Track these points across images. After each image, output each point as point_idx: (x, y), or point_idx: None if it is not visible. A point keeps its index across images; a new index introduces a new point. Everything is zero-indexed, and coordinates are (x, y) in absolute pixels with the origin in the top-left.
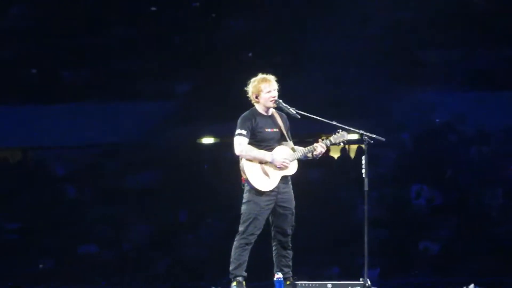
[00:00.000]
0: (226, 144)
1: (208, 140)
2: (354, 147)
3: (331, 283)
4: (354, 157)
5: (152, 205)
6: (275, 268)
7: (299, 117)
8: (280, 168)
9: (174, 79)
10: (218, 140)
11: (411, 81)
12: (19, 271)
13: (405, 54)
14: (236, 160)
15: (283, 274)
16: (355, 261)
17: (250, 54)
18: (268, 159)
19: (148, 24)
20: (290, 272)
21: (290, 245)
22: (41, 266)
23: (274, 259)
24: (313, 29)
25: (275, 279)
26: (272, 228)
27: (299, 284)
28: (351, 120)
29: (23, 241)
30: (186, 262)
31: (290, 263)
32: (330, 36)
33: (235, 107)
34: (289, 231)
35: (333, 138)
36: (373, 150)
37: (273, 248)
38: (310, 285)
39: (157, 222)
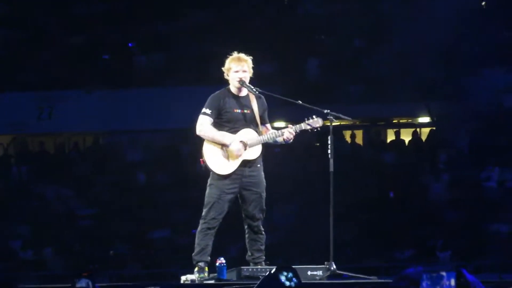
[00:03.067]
0: None
1: (279, 124)
2: (426, 130)
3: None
4: (426, 140)
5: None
6: (247, 253)
7: (261, 96)
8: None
9: None
10: (289, 123)
11: (486, 63)
12: (93, 256)
13: (482, 37)
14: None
15: (253, 258)
16: (430, 243)
17: (323, 37)
18: (227, 142)
19: (224, 8)
20: (263, 257)
21: (262, 229)
22: (111, 252)
23: (246, 243)
24: (388, 12)
25: (217, 264)
26: (242, 212)
27: (244, 269)
28: (423, 102)
29: (97, 227)
30: None
31: (262, 247)
32: (406, 20)
33: (309, 90)
34: (258, 215)
35: (304, 124)
36: (445, 134)
37: (245, 232)
38: (257, 269)
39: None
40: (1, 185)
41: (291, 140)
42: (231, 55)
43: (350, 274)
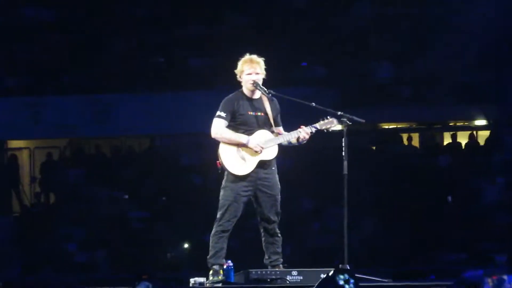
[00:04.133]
0: (352, 131)
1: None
2: (483, 133)
3: (297, 270)
4: (484, 144)
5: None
6: (265, 256)
7: (274, 99)
8: (256, 152)
9: (301, 66)
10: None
11: None
12: (147, 260)
13: None
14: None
15: (271, 261)
16: (483, 246)
17: (375, 39)
18: (244, 141)
19: (275, 11)
20: (280, 259)
21: (278, 231)
22: (169, 255)
23: (263, 246)
24: (441, 13)
25: (224, 266)
26: (257, 215)
27: (252, 272)
28: (479, 105)
29: (150, 230)
30: (310, 249)
31: (279, 250)
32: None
33: (364, 93)
34: (274, 218)
35: (319, 124)
36: (501, 137)
37: (262, 235)
38: (265, 272)
39: (282, 210)
40: (57, 188)
41: (305, 141)
42: (242, 57)
43: (364, 276)
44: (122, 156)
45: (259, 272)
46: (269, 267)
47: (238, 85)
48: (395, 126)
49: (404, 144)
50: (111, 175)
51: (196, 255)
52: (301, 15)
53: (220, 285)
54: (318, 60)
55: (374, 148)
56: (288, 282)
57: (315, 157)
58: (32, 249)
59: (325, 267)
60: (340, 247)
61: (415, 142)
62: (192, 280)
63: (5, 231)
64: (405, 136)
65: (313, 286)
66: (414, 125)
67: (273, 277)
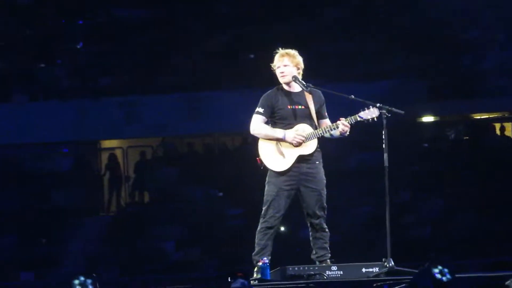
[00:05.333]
0: (446, 123)
1: (427, 118)
2: None
3: (337, 265)
4: None
5: (373, 186)
6: (312, 251)
7: (311, 93)
8: (295, 146)
9: (388, 59)
10: (437, 118)
11: None
12: (243, 257)
13: None
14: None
15: (318, 256)
16: None
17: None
18: (280, 135)
19: (359, 5)
20: (328, 254)
21: (324, 226)
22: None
23: (310, 241)
24: None
25: (260, 263)
26: (303, 210)
27: (289, 269)
28: None
29: (246, 227)
30: (407, 242)
31: (326, 245)
32: None
33: (454, 84)
34: (320, 213)
35: (360, 115)
36: None
37: (309, 230)
38: (302, 268)
39: (378, 203)
40: (151, 187)
41: (347, 133)
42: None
43: (408, 270)
44: (215, 153)
45: (296, 268)
46: (316, 262)
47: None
48: (487, 117)
49: (497, 135)
50: (204, 173)
51: (291, 250)
52: (394, 7)
53: (256, 282)
54: (408, 52)
55: (466, 139)
56: (325, 277)
57: (409, 149)
58: (129, 249)
59: (416, 260)
60: (435, 239)
61: (508, 132)
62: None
63: (103, 230)
64: (497, 126)
65: (353, 280)
66: (506, 115)
67: (311, 273)
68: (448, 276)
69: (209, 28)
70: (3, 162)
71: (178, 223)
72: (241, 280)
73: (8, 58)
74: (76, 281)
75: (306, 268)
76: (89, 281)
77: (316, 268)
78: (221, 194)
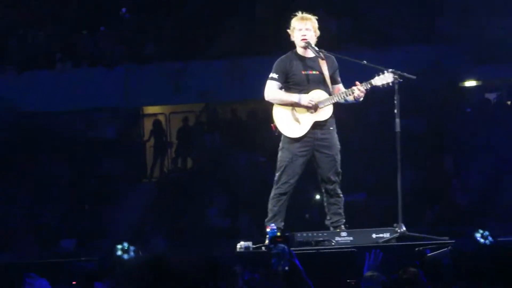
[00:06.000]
0: (489, 87)
1: (470, 83)
2: None
3: (347, 231)
4: None
5: (417, 151)
6: (326, 217)
7: (324, 59)
8: (311, 113)
9: (430, 26)
10: (480, 82)
11: None
12: (286, 222)
13: None
14: None
15: (332, 222)
16: None
17: None
18: (295, 99)
19: None
20: (342, 220)
21: (339, 192)
22: (307, 216)
23: (325, 207)
24: None
25: (268, 229)
26: (317, 176)
27: (298, 235)
28: None
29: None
30: (453, 207)
31: (341, 210)
32: None
33: (494, 47)
34: (334, 178)
35: (374, 80)
36: None
37: (323, 195)
38: (311, 235)
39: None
40: (195, 153)
41: (362, 98)
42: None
43: (421, 235)
44: (258, 119)
45: (304, 235)
46: (331, 228)
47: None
48: None
49: None
50: (247, 139)
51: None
52: None
53: (264, 249)
54: (451, 16)
55: (510, 103)
56: (333, 243)
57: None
58: (173, 216)
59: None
60: (480, 206)
61: None
62: (238, 245)
63: (146, 197)
64: None
65: (363, 246)
66: None
67: (320, 239)
68: (491, 239)
69: None
70: (48, 129)
71: (223, 189)
72: (282, 245)
73: (52, 26)
74: (119, 246)
75: (315, 234)
76: (132, 247)
77: (325, 234)
78: (264, 159)
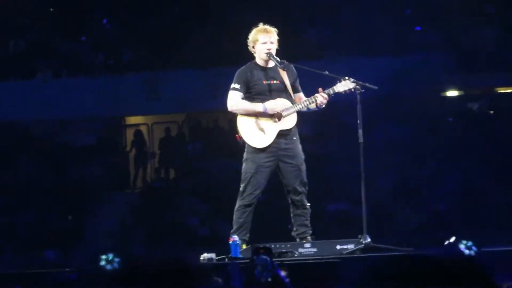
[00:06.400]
0: (471, 97)
1: (452, 93)
2: None
3: (310, 242)
4: None
5: (396, 159)
6: (293, 228)
7: (285, 69)
8: (274, 122)
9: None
10: (462, 92)
11: None
12: (269, 232)
13: None
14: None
15: (298, 233)
16: None
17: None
18: (260, 109)
19: None
20: (308, 231)
21: (305, 203)
22: (289, 226)
23: (291, 218)
24: None
25: (230, 242)
26: (284, 187)
27: (276, 246)
28: None
29: (269, 202)
30: (428, 215)
31: (307, 222)
32: None
33: (482, 59)
34: (300, 189)
35: (336, 87)
36: None
37: (290, 207)
38: (274, 246)
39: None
40: (177, 163)
41: (324, 105)
42: (256, 26)
43: (386, 246)
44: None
45: (267, 246)
46: (297, 239)
47: (251, 56)
48: None
49: None
50: (230, 148)
51: (321, 224)
52: None
53: (226, 260)
54: (433, 24)
55: (492, 112)
56: (296, 255)
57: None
58: (155, 225)
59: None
60: (455, 213)
61: None
62: (201, 256)
63: (128, 207)
64: None
65: (327, 257)
66: None
67: (282, 250)
68: (475, 249)
69: (234, 4)
70: (28, 138)
71: (205, 198)
72: (264, 257)
73: (32, 34)
74: (104, 257)
75: (278, 245)
76: (116, 259)
77: (288, 245)
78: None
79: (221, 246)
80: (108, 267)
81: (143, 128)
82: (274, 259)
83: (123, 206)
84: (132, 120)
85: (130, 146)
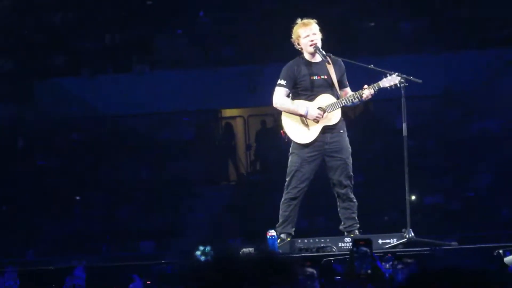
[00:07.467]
0: None
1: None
2: None
3: (351, 237)
4: None
5: (494, 153)
6: (341, 222)
7: (330, 63)
8: (317, 122)
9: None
10: None
11: None
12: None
13: None
14: None
15: (345, 227)
16: None
17: None
18: (302, 112)
19: None
20: (356, 225)
21: (351, 196)
22: (386, 218)
23: (338, 212)
24: None
25: (268, 236)
26: (330, 181)
27: (298, 242)
28: None
29: (366, 195)
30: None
31: (354, 215)
32: None
33: None
34: (345, 182)
35: (382, 82)
36: None
37: (336, 201)
38: (312, 241)
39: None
40: (273, 155)
41: (368, 99)
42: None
43: (430, 240)
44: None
45: (305, 241)
46: (345, 233)
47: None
48: None
49: None
50: None
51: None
52: None
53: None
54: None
55: None
56: (334, 250)
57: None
58: (251, 218)
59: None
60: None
61: None
62: (241, 252)
63: (223, 200)
64: None
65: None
66: None
67: (320, 245)
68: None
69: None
70: (126, 132)
71: None
72: (364, 249)
73: (129, 28)
74: (201, 248)
75: (317, 240)
76: (212, 252)
77: (328, 240)
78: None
79: (319, 236)
80: (203, 258)
81: (240, 121)
82: (313, 254)
83: (219, 199)
84: (228, 112)
85: (226, 139)
